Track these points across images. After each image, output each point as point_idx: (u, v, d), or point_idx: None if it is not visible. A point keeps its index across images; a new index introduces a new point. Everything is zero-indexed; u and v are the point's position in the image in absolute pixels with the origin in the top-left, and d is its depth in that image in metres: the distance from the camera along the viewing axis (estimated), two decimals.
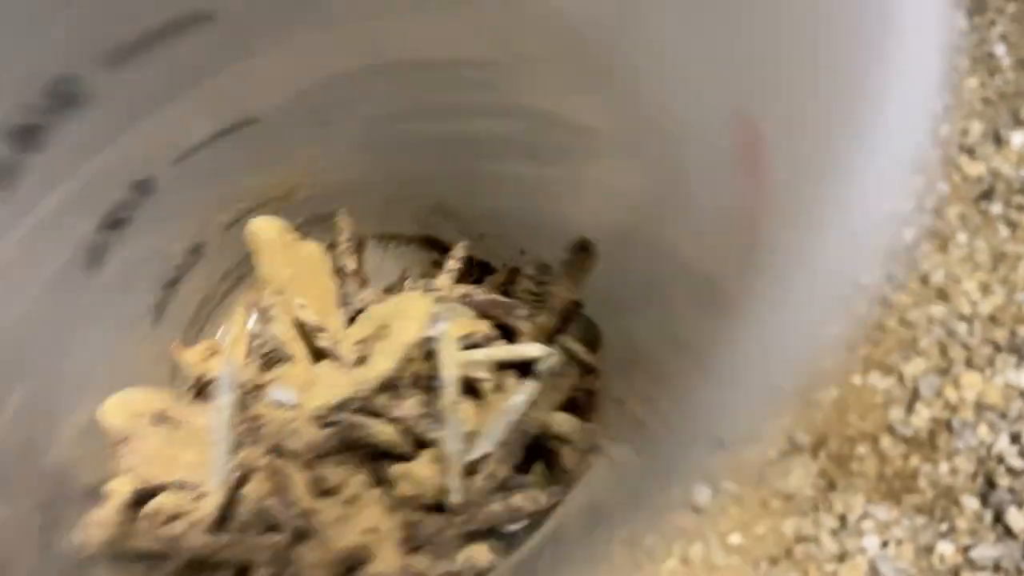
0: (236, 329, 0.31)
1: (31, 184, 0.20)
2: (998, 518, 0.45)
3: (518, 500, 0.27)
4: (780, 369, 0.14)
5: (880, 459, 0.48)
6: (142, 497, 0.26)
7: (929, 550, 0.45)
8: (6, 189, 0.20)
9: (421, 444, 0.28)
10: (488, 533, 0.28)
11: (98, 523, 0.25)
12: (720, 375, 0.15)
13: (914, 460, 0.48)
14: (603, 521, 0.22)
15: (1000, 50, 0.63)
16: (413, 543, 0.27)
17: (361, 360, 0.29)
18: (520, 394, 0.28)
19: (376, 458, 0.28)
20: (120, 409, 0.27)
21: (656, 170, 0.22)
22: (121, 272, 0.25)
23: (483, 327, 0.30)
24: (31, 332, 0.23)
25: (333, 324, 0.30)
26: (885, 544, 0.45)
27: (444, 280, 0.31)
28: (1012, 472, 0.46)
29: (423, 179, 0.30)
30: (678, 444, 0.18)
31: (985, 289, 0.53)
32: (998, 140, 0.59)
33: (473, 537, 0.27)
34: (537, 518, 0.27)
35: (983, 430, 0.48)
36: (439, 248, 0.33)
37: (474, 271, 0.33)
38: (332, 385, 0.28)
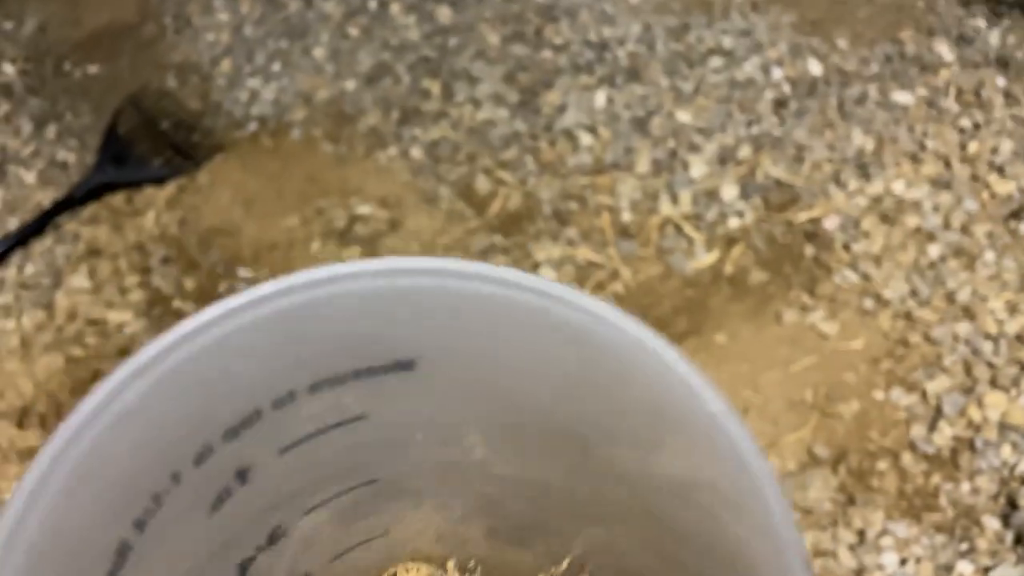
0: None
1: None
2: (1019, 539, 0.45)
3: None
4: None
5: (901, 476, 0.48)
6: None
7: (948, 569, 0.45)
8: None
9: None
10: None
11: None
12: None
13: (935, 478, 0.47)
14: None
15: None
16: None
17: None
18: None
19: None
20: None
21: None
22: None
23: None
24: None
25: None
26: (904, 562, 0.45)
27: None
28: None
29: None
30: None
31: (1012, 309, 0.53)
32: None
33: None
34: None
35: (1006, 450, 0.48)
36: None
37: None
38: None
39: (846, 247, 0.55)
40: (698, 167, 0.60)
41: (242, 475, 0.23)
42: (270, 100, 0.64)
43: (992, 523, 0.46)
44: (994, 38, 0.65)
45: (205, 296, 0.55)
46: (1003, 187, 0.58)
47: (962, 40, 0.65)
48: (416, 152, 0.61)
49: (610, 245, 0.56)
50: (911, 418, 0.49)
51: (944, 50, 0.65)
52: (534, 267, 0.56)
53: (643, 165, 0.60)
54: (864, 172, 0.59)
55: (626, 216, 0.58)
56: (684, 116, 0.62)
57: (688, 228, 0.57)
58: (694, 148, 0.61)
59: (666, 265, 0.55)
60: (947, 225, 0.56)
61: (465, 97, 0.64)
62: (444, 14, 0.69)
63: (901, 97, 0.62)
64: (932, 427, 0.49)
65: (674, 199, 0.58)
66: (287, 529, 0.26)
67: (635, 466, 0.23)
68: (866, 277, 0.54)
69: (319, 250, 0.57)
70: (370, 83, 0.65)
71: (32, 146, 0.64)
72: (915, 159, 0.59)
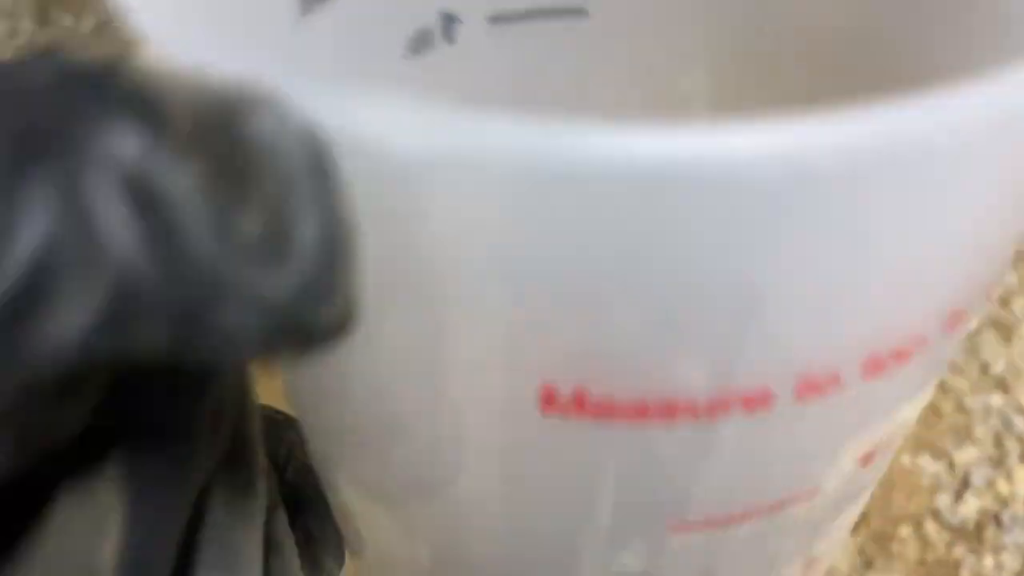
0: None
1: None
2: None
3: None
4: None
5: (923, 544, 0.47)
6: None
7: None
8: None
9: None
10: None
11: None
12: None
13: (958, 550, 0.47)
14: None
15: None
16: None
17: None
18: None
19: None
20: None
21: None
22: None
23: None
24: None
25: None
26: None
27: None
28: None
29: None
30: None
31: None
32: None
33: None
34: None
35: None
36: None
37: None
38: None
39: None
40: None
41: None
42: None
43: None
44: None
45: None
46: None
47: None
48: None
49: None
50: (936, 486, 0.49)
51: None
52: None
53: None
54: None
55: None
56: None
57: None
58: None
59: None
60: (987, 297, 0.56)
61: None
62: None
63: None
64: (958, 497, 0.48)
65: None
66: None
67: None
68: None
69: None
70: None
71: None
72: None
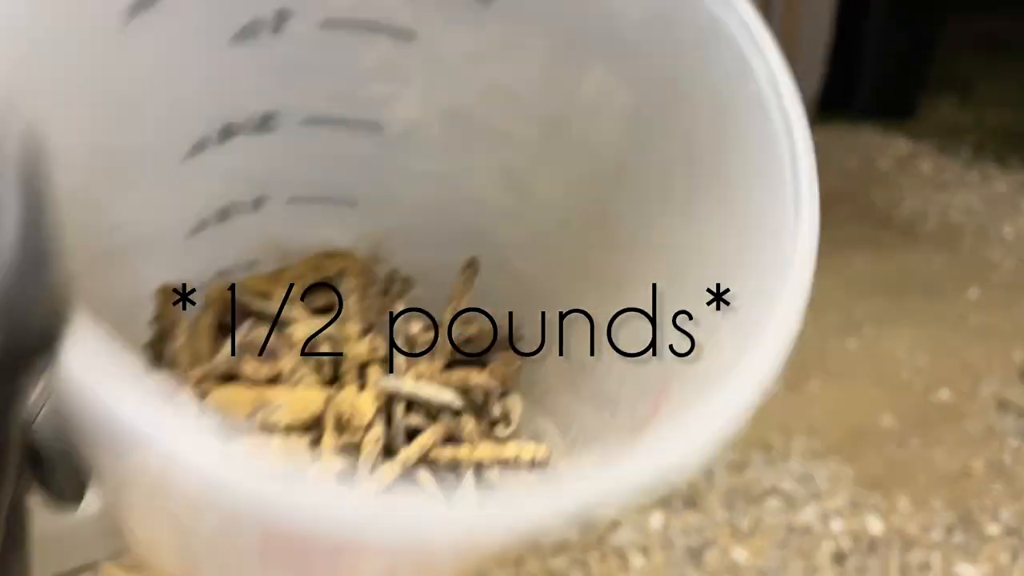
0: None
1: None
2: None
3: None
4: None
5: None
6: None
7: None
8: None
9: None
10: None
11: None
12: None
13: None
14: None
15: None
16: None
17: None
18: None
19: None
20: None
21: None
22: None
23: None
24: None
25: None
26: None
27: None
28: None
29: None
30: None
31: None
32: None
33: None
34: None
35: None
36: None
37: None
38: None
39: None
40: None
41: None
42: None
43: None
44: None
45: None
46: None
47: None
48: None
49: None
50: None
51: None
52: None
53: None
54: None
55: None
56: (740, 554, 0.61)
57: None
58: None
59: None
60: None
61: None
62: None
63: (967, 572, 0.61)
64: None
65: None
66: None
67: None
68: None
69: None
70: None
71: None
72: None
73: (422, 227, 0.25)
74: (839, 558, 0.61)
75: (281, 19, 0.20)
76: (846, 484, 0.68)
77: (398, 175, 0.25)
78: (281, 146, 0.23)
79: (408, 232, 0.25)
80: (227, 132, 0.22)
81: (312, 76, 0.22)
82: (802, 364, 0.75)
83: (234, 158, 0.22)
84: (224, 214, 0.24)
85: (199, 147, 0.22)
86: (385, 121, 0.24)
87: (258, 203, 0.24)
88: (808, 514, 0.65)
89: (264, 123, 0.22)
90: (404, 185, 0.25)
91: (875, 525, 0.64)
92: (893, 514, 0.65)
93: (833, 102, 1.24)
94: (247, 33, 0.20)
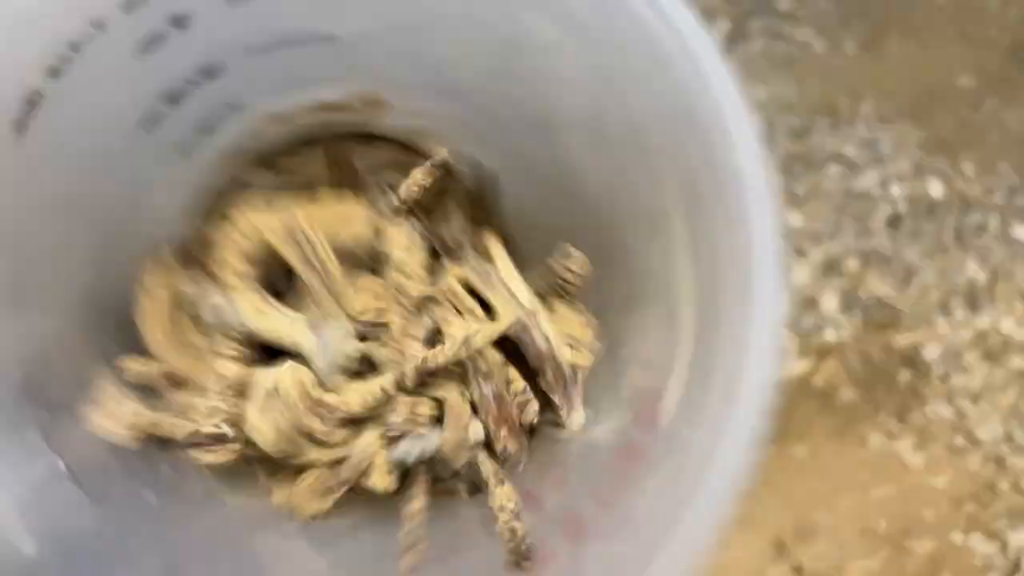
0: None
1: None
2: None
3: None
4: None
5: None
6: None
7: None
8: None
9: None
10: None
11: None
12: None
13: None
14: None
15: None
16: None
17: None
18: None
19: None
20: None
21: None
22: None
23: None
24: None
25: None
26: None
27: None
28: None
29: None
30: None
31: None
32: None
33: None
34: None
35: None
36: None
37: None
38: None
39: (943, 379, 0.54)
40: (801, 273, 0.60)
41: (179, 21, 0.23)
42: None
43: None
44: None
45: None
46: None
47: None
48: None
49: None
50: (987, 567, 0.48)
51: None
52: None
53: None
54: (973, 304, 0.58)
55: None
56: (795, 219, 0.62)
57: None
58: (801, 253, 0.61)
59: None
60: None
61: None
62: None
63: (1022, 233, 0.61)
64: None
65: None
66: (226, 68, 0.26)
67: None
68: (961, 413, 0.53)
69: None
70: None
71: None
72: None
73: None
74: (894, 221, 0.62)
75: None
76: (911, 148, 0.66)
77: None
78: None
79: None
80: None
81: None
82: (881, 21, 0.70)
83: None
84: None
85: None
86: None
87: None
88: (869, 179, 0.64)
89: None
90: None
91: (936, 188, 0.64)
92: (957, 178, 0.64)
93: None
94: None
